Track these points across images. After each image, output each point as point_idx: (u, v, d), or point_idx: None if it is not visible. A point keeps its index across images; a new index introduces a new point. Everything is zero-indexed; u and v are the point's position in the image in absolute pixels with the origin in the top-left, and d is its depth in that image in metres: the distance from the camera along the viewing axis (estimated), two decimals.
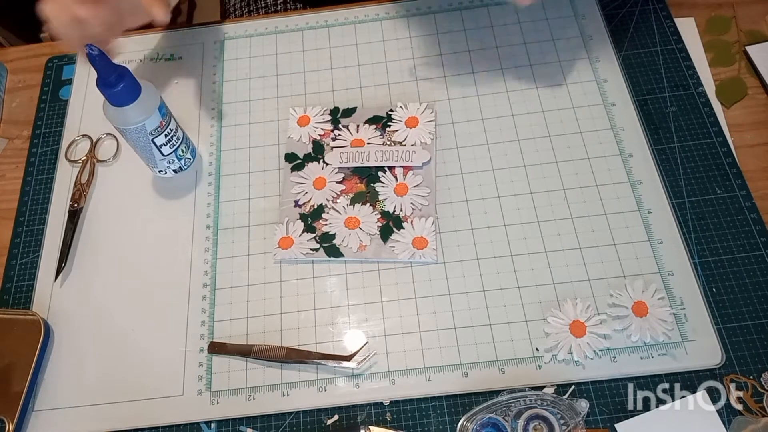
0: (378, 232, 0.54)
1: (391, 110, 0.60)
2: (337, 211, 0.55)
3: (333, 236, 0.54)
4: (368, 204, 0.56)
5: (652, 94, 0.60)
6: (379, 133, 0.59)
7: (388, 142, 0.58)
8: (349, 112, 0.61)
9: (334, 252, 0.54)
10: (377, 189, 0.56)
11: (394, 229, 0.54)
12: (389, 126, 0.59)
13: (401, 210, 0.55)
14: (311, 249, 0.54)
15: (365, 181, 0.57)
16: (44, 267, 0.56)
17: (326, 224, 0.55)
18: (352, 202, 0.56)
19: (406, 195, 0.55)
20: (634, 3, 0.65)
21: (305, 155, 0.59)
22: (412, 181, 0.56)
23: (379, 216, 0.55)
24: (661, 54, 0.62)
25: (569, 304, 0.50)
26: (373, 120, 0.60)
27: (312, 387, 0.49)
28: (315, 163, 0.58)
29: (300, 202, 0.57)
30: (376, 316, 0.51)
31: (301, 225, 0.55)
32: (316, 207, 0.56)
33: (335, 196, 0.56)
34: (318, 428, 0.48)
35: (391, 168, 0.56)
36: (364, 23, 0.67)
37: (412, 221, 0.54)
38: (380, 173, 0.57)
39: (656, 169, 0.55)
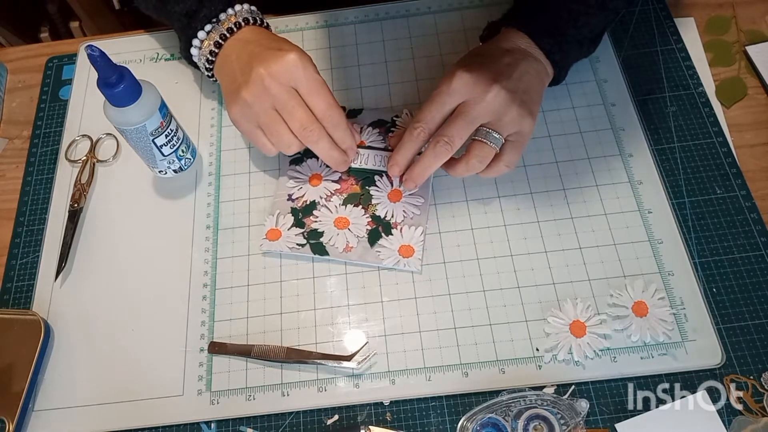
0: (366, 235, 0.54)
1: (396, 116, 0.60)
2: (329, 210, 0.55)
3: (321, 234, 0.54)
4: (360, 206, 0.55)
5: (652, 94, 0.60)
6: (382, 138, 0.58)
7: (389, 148, 0.58)
8: (354, 113, 0.61)
9: (319, 249, 0.53)
10: (371, 192, 0.56)
11: (383, 235, 0.54)
12: (392, 132, 0.59)
13: (392, 216, 0.54)
14: (297, 244, 0.54)
15: (361, 183, 0.56)
16: (44, 267, 0.56)
17: (316, 221, 0.55)
18: (345, 202, 0.56)
19: (399, 202, 0.55)
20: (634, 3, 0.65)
21: (305, 150, 0.58)
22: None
23: (370, 219, 0.55)
24: (661, 54, 0.62)
25: (569, 304, 0.50)
26: (378, 124, 0.59)
27: (312, 387, 0.49)
28: (314, 159, 0.58)
29: (293, 197, 0.56)
30: (376, 316, 0.51)
31: (291, 219, 0.55)
32: (308, 203, 0.56)
33: (329, 194, 0.56)
34: (318, 428, 0.48)
35: (387, 173, 0.56)
36: (364, 23, 0.67)
37: (401, 228, 0.54)
38: (376, 177, 0.56)
39: (656, 169, 0.55)
